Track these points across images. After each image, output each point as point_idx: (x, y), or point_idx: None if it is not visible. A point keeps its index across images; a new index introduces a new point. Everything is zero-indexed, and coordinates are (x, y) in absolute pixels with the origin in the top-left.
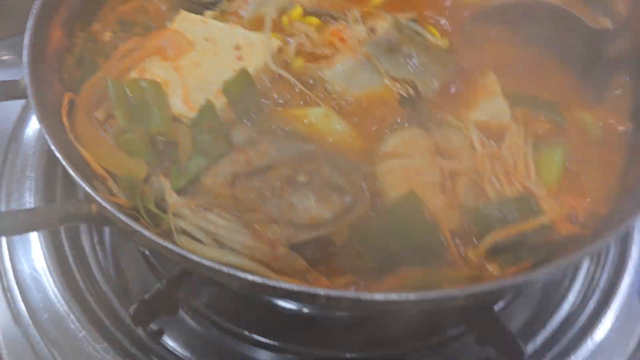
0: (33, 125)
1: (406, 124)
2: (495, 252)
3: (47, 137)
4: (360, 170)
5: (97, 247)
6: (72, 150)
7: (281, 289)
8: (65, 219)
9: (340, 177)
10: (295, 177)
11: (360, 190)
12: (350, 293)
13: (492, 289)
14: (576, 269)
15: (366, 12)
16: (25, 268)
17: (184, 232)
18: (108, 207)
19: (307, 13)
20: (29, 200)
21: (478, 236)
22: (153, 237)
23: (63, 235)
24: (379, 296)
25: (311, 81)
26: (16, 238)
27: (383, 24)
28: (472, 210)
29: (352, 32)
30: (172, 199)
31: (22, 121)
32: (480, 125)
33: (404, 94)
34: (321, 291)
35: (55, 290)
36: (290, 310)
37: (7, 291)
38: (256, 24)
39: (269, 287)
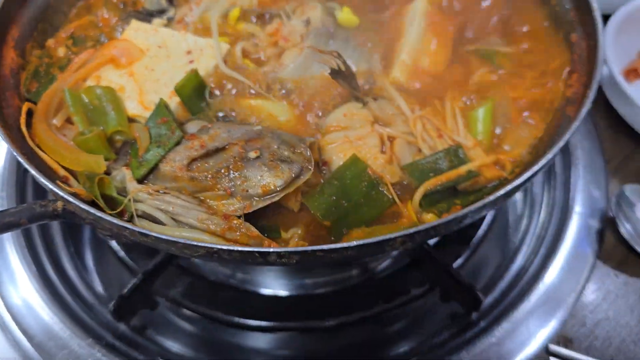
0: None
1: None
2: (430, 202)
3: (9, 145)
4: (304, 141)
5: (72, 251)
6: (34, 157)
7: (235, 252)
8: (34, 218)
9: (287, 150)
10: (246, 154)
11: (306, 159)
12: (298, 248)
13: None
14: (530, 220)
15: (299, 3)
16: (2, 273)
17: (144, 216)
18: (71, 199)
19: (247, 14)
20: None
21: (415, 188)
22: (114, 220)
23: (39, 242)
24: (323, 247)
25: (267, 82)
26: None
27: (314, 14)
28: (408, 165)
29: (290, 28)
30: (132, 186)
31: None
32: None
33: (335, 68)
34: (272, 249)
35: (37, 295)
36: (264, 294)
37: None
38: (203, 29)
39: (225, 251)
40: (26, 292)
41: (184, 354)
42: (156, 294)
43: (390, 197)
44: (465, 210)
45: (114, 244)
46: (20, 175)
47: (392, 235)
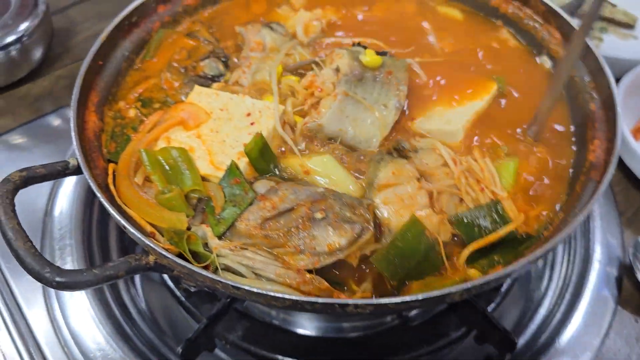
0: (62, 197)
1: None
2: (472, 258)
3: (107, 206)
4: (362, 204)
5: (135, 298)
6: (123, 214)
7: (317, 304)
8: (130, 270)
9: (349, 211)
10: (313, 215)
11: (365, 220)
12: (373, 300)
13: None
14: (552, 269)
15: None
16: (80, 324)
17: (226, 269)
18: (167, 255)
19: (288, 71)
20: (72, 264)
21: (463, 244)
22: (209, 275)
23: (107, 293)
24: (395, 299)
25: (311, 132)
26: (67, 297)
27: (342, 61)
28: (454, 218)
29: (323, 78)
30: (214, 243)
31: (53, 194)
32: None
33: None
34: (351, 301)
35: (111, 341)
36: (310, 335)
37: (64, 346)
38: (256, 89)
39: (308, 302)
40: (100, 338)
41: None
42: (216, 337)
43: (441, 256)
44: (511, 267)
45: (175, 289)
46: (86, 223)
47: (453, 289)
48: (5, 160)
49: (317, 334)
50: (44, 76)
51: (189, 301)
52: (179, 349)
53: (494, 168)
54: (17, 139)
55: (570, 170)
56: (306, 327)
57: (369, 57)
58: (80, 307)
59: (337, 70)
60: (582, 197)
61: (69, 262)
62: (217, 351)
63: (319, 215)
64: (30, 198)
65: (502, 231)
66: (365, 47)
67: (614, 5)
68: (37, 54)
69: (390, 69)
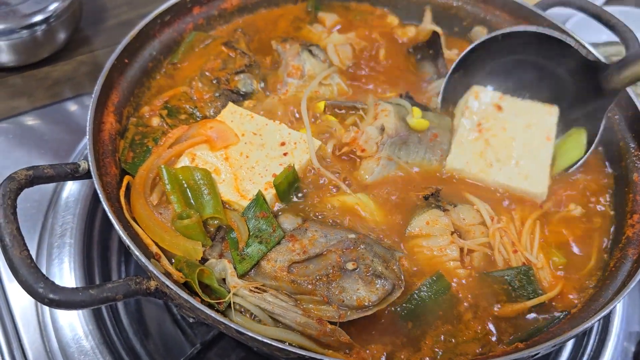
0: (69, 192)
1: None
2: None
3: (113, 220)
4: (395, 257)
5: (130, 309)
6: (129, 230)
7: None
8: (128, 294)
9: (381, 265)
10: (344, 265)
11: (397, 277)
12: None
13: None
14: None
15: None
16: (68, 330)
17: (241, 310)
18: (172, 286)
19: (330, 107)
20: (69, 266)
21: (489, 304)
22: (213, 314)
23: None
24: None
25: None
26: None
27: (388, 121)
28: (482, 276)
29: (366, 136)
30: (234, 282)
31: (59, 188)
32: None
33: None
34: None
35: (97, 351)
36: None
37: (49, 352)
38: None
39: (313, 359)
40: (87, 347)
41: None
42: None
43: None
44: (546, 344)
45: (173, 308)
46: (89, 225)
47: None
48: (16, 144)
49: None
50: (66, 60)
51: (186, 321)
52: None
53: (536, 234)
54: (30, 122)
55: (605, 241)
56: None
57: (416, 120)
58: (71, 312)
59: (382, 129)
60: (616, 275)
61: (66, 262)
62: None
63: (350, 266)
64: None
65: (534, 301)
66: (410, 98)
67: None
68: (62, 36)
69: (437, 131)
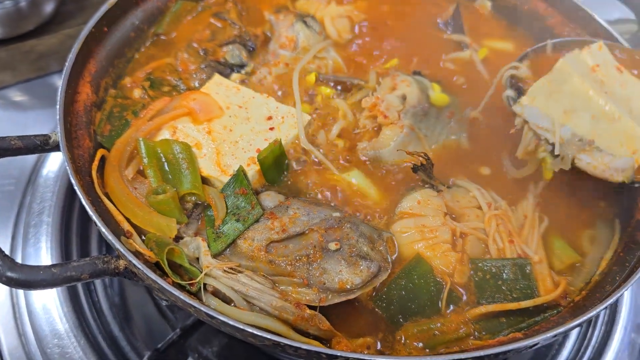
0: (49, 168)
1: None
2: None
3: (79, 194)
4: (382, 236)
5: (109, 291)
6: (99, 205)
7: (302, 350)
8: (95, 274)
9: (367, 245)
10: (326, 245)
11: (383, 258)
12: (365, 356)
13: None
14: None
15: (380, 73)
16: (41, 312)
17: (214, 292)
18: (140, 266)
19: (322, 80)
20: (46, 245)
21: (476, 294)
22: (182, 296)
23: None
24: (394, 358)
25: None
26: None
27: (411, 91)
28: (473, 263)
29: (387, 103)
30: (207, 261)
31: (39, 164)
32: None
33: (417, 164)
34: (340, 353)
35: (71, 335)
36: None
37: (22, 335)
38: (280, 92)
39: (291, 347)
40: (61, 329)
41: None
42: (189, 349)
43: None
44: (538, 337)
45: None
46: (67, 203)
47: (463, 356)
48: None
49: None
50: (52, 33)
51: (169, 306)
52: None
53: (539, 227)
54: (14, 95)
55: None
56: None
57: (437, 96)
58: (45, 293)
59: (404, 98)
60: (624, 260)
61: (43, 242)
62: None
63: (333, 246)
64: (17, 159)
65: (528, 303)
66: (420, 74)
67: None
68: (48, 9)
69: (453, 109)
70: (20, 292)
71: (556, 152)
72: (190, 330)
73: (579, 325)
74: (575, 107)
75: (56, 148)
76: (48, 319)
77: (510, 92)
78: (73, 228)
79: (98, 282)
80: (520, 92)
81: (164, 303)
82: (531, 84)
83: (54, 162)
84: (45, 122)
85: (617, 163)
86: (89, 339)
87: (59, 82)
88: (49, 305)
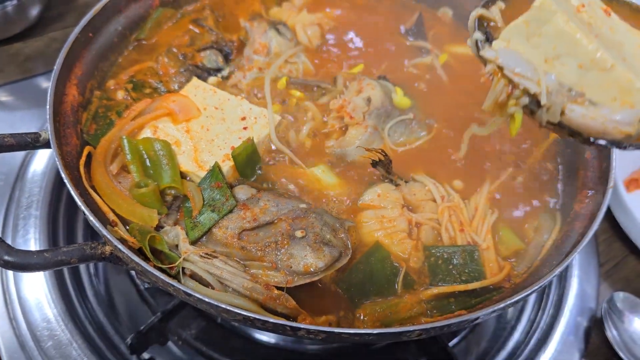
0: (37, 164)
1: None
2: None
3: (69, 187)
4: (344, 225)
5: (94, 280)
6: (87, 197)
7: (269, 323)
8: (83, 258)
9: (329, 233)
10: (293, 232)
11: (344, 245)
12: (326, 328)
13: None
14: (521, 311)
15: (347, 78)
16: (31, 299)
17: (191, 275)
18: (124, 250)
19: (292, 84)
20: (35, 237)
21: (429, 277)
22: (163, 277)
23: (65, 270)
24: (348, 330)
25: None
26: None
27: (375, 94)
28: (426, 250)
29: (353, 105)
30: (185, 247)
31: (27, 161)
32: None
33: (376, 159)
34: (302, 326)
35: (60, 320)
36: (268, 343)
37: (13, 320)
38: (253, 94)
39: (259, 320)
40: (50, 315)
41: None
42: (169, 332)
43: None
44: (479, 313)
45: (136, 279)
46: (55, 196)
47: (411, 328)
48: None
49: (275, 342)
50: (38, 36)
51: (148, 291)
52: (128, 340)
53: (490, 219)
54: (2, 97)
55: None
56: (264, 334)
57: (400, 99)
58: (35, 280)
59: (369, 101)
60: (561, 248)
61: (31, 233)
62: (170, 344)
63: (299, 234)
64: (6, 157)
65: (475, 285)
66: (385, 79)
67: None
68: (34, 12)
69: (415, 112)
70: (11, 279)
71: (543, 101)
72: (170, 314)
73: (514, 304)
74: (559, 53)
75: (45, 145)
76: (38, 305)
77: (479, 35)
78: (60, 221)
79: (83, 271)
80: (489, 37)
81: (145, 286)
82: (503, 27)
83: (41, 160)
84: (32, 121)
85: (618, 116)
86: (77, 323)
87: (45, 83)
88: (38, 292)
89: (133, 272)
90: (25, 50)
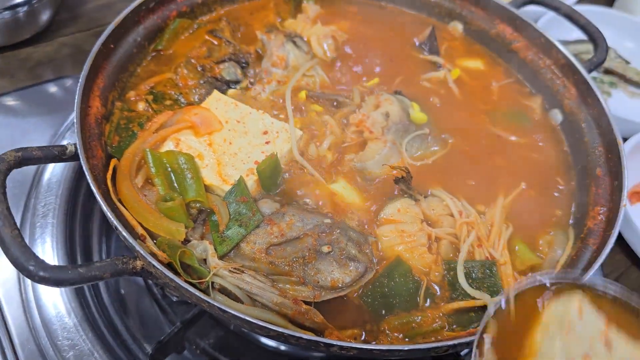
0: (52, 173)
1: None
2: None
3: (100, 202)
4: (368, 241)
5: (111, 288)
6: (116, 211)
7: (303, 339)
8: (115, 273)
9: (354, 249)
10: (320, 248)
11: (370, 260)
12: (358, 344)
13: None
14: None
15: (363, 91)
16: (50, 307)
17: (221, 290)
18: (158, 266)
19: (311, 98)
20: (51, 246)
21: (449, 291)
22: (198, 293)
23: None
24: (380, 347)
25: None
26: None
27: (393, 109)
28: (447, 263)
29: (372, 120)
30: (214, 262)
31: (40, 170)
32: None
33: (398, 176)
34: (336, 342)
35: (80, 329)
36: (285, 352)
37: (32, 329)
38: (273, 107)
39: (293, 337)
40: (69, 324)
41: None
42: (187, 341)
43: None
44: None
45: (153, 288)
46: (71, 205)
47: (442, 344)
48: None
49: (284, 350)
50: (48, 41)
51: (165, 300)
52: (150, 350)
53: (505, 234)
54: (12, 102)
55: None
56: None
57: (417, 114)
58: (54, 290)
59: (387, 116)
60: (576, 263)
61: (48, 242)
62: (185, 353)
63: (325, 249)
64: None
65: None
66: (401, 94)
67: (627, 63)
68: (44, 17)
69: (430, 127)
70: (30, 289)
71: None
72: (189, 324)
73: None
74: None
75: (72, 158)
76: (57, 314)
77: None
78: (76, 229)
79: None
80: None
81: (174, 299)
82: None
83: (55, 168)
84: (43, 129)
85: None
86: (96, 332)
87: (53, 89)
88: (57, 301)
89: (150, 281)
90: (35, 55)
